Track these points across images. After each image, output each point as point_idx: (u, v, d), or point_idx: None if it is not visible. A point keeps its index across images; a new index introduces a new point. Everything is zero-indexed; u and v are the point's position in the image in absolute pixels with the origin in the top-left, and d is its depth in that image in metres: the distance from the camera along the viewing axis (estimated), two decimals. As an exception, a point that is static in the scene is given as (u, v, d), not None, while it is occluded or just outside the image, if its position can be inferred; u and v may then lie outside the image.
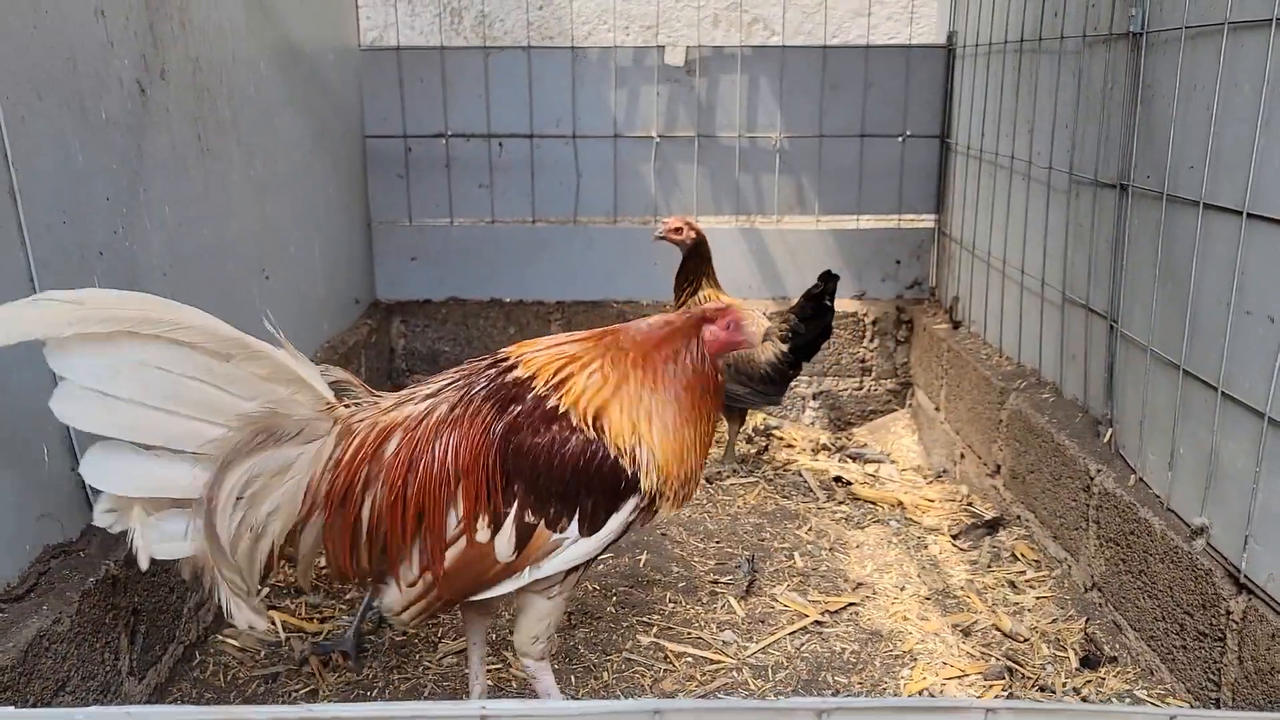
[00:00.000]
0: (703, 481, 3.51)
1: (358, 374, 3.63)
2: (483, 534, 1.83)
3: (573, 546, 1.87)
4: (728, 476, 3.56)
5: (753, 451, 3.83)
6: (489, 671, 2.37)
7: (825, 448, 3.94)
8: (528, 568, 1.86)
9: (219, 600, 1.82)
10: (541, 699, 2.03)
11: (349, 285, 3.89)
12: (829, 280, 3.27)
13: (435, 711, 0.87)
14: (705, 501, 3.37)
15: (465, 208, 4.18)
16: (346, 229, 3.88)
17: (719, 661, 2.42)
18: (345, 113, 3.86)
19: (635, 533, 2.08)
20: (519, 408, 1.86)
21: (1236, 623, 1.99)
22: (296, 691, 2.29)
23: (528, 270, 4.21)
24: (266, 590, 2.70)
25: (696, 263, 3.47)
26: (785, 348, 3.30)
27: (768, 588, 2.78)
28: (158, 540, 1.73)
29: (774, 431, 4.05)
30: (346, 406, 1.90)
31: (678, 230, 3.44)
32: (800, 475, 3.60)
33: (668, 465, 1.91)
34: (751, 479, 3.55)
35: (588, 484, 1.85)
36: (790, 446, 3.93)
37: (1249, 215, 1.98)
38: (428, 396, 1.93)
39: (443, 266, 4.22)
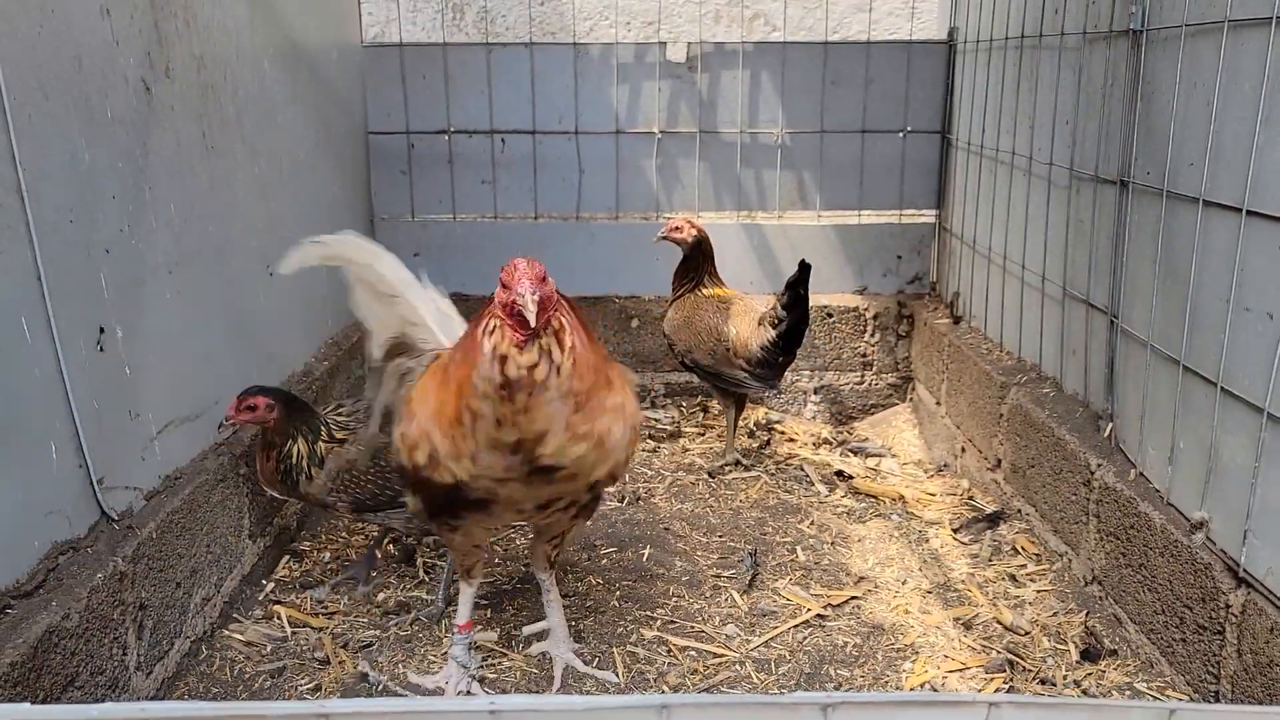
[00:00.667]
0: (708, 477, 3.52)
1: (361, 369, 3.66)
2: None
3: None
4: (730, 470, 3.58)
5: (754, 446, 3.85)
6: (490, 664, 2.39)
7: (827, 442, 3.95)
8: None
9: None
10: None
11: (352, 281, 3.90)
12: (803, 270, 3.36)
13: (445, 707, 0.88)
14: (708, 496, 3.39)
15: (468, 204, 4.19)
16: (350, 225, 3.86)
17: (722, 655, 2.44)
18: (348, 109, 3.87)
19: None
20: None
21: (1236, 616, 2.00)
22: (303, 685, 2.31)
23: (530, 266, 4.21)
24: (272, 585, 2.72)
25: (698, 260, 3.52)
26: (774, 333, 3.37)
27: (770, 581, 2.79)
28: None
29: (775, 425, 4.06)
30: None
31: (679, 229, 3.49)
32: (802, 469, 3.61)
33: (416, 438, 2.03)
34: (753, 473, 3.57)
35: None
36: (792, 441, 3.95)
37: (1248, 212, 1.99)
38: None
39: (445, 262, 4.21)
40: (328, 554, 2.92)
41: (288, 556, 2.88)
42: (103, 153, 2.09)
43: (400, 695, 2.24)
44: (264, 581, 2.73)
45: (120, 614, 1.99)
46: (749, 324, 3.42)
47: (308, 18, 3.40)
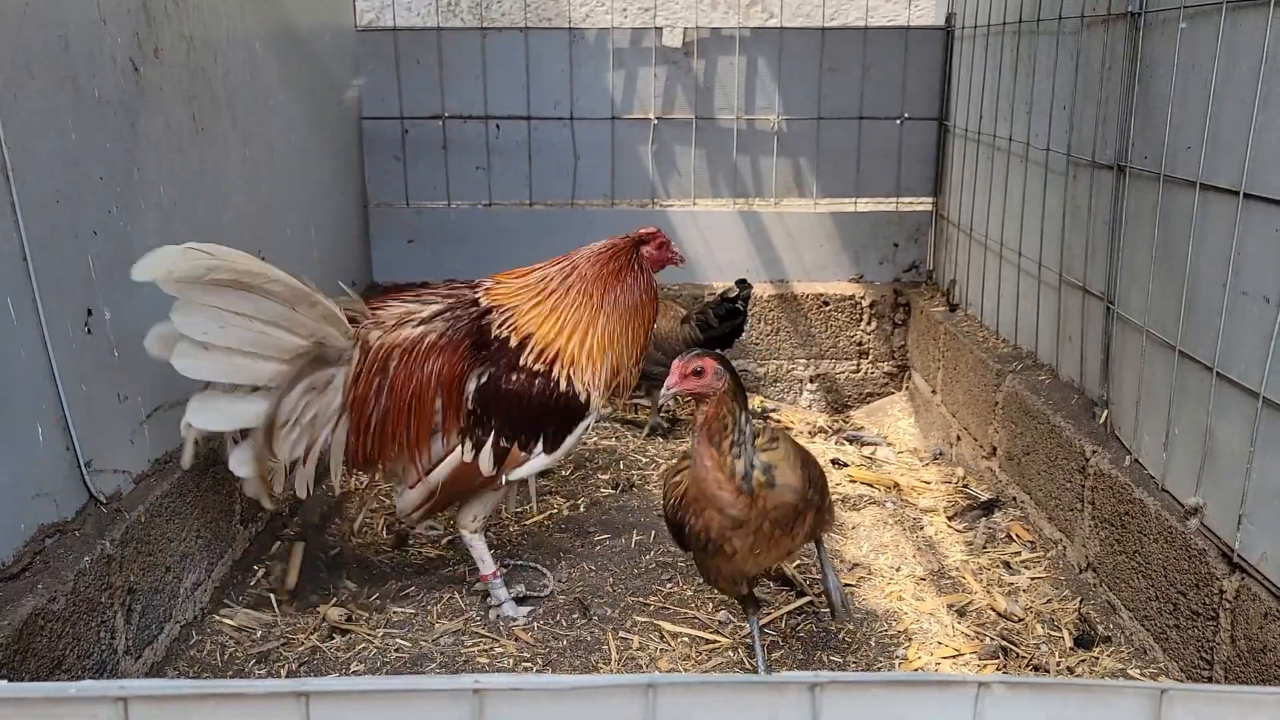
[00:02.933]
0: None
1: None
2: (469, 455, 2.36)
3: (538, 459, 2.42)
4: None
5: (749, 434, 3.84)
6: (484, 650, 2.38)
7: (823, 430, 3.94)
8: (504, 476, 2.40)
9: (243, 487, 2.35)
10: (479, 563, 2.53)
11: (345, 267, 3.88)
12: (744, 287, 3.58)
13: (429, 686, 0.86)
14: (702, 483, 3.38)
15: (462, 190, 4.17)
16: (343, 211, 3.87)
17: (715, 641, 2.43)
18: (341, 94, 3.84)
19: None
20: (490, 350, 2.35)
21: (1229, 602, 2.00)
22: (292, 670, 2.29)
23: (525, 252, 4.15)
24: (264, 570, 2.71)
25: None
26: (701, 335, 3.58)
27: (764, 569, 2.79)
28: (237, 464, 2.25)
29: (771, 414, 4.05)
30: (362, 327, 2.35)
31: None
32: (797, 457, 3.60)
33: (603, 376, 2.38)
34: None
35: (548, 417, 2.37)
36: (788, 429, 3.93)
37: (1246, 195, 1.97)
38: (421, 323, 2.38)
39: (440, 249, 4.20)
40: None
41: (279, 542, 2.87)
42: (90, 133, 2.07)
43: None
44: (255, 566, 2.72)
45: (108, 597, 1.98)
46: (669, 319, 3.59)
47: (300, 1, 3.37)
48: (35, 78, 1.89)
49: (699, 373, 1.94)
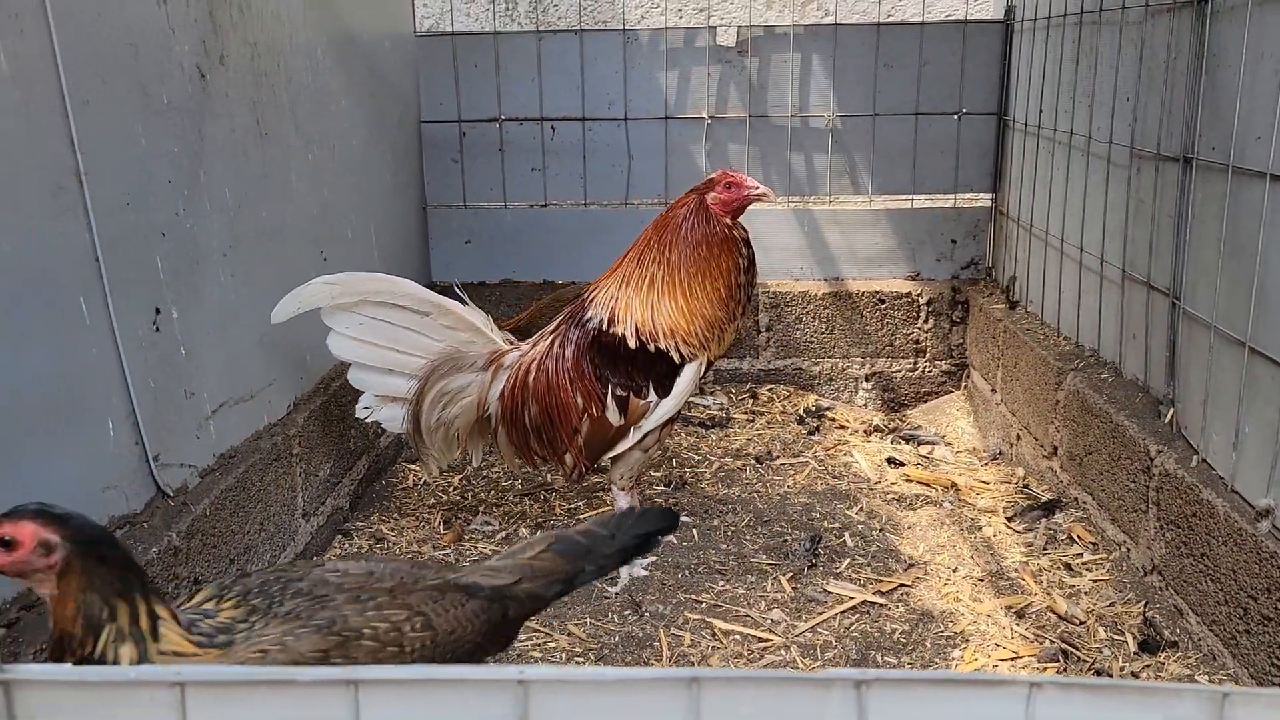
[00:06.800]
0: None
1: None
2: (597, 410, 2.70)
3: (658, 406, 2.71)
4: (778, 456, 3.55)
5: (804, 432, 3.81)
6: (536, 644, 2.41)
7: (878, 429, 3.90)
8: (632, 427, 2.72)
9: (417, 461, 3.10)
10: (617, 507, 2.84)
11: (405, 268, 3.94)
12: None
13: (475, 675, 0.88)
14: (755, 481, 3.37)
15: (518, 191, 4.21)
16: (402, 212, 3.93)
17: (767, 640, 2.43)
18: (401, 98, 3.91)
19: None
20: (592, 328, 2.72)
21: (1301, 607, 1.93)
22: (352, 663, 2.34)
23: (580, 252, 4.22)
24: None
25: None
26: None
27: (817, 566, 2.77)
28: (388, 420, 2.75)
29: (826, 413, 4.02)
30: (508, 347, 2.80)
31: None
32: (852, 456, 3.57)
33: (685, 332, 2.68)
34: (801, 459, 3.54)
35: (644, 368, 2.68)
36: (842, 428, 3.90)
37: (1318, 186, 1.91)
38: (549, 336, 2.78)
39: (496, 249, 4.25)
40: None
41: (340, 536, 2.93)
42: (159, 138, 2.13)
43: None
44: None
45: (175, 588, 2.04)
46: None
47: (361, 8, 3.44)
48: (107, 85, 1.95)
49: (6, 545, 1.30)
